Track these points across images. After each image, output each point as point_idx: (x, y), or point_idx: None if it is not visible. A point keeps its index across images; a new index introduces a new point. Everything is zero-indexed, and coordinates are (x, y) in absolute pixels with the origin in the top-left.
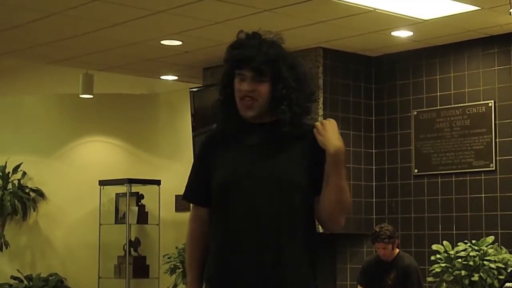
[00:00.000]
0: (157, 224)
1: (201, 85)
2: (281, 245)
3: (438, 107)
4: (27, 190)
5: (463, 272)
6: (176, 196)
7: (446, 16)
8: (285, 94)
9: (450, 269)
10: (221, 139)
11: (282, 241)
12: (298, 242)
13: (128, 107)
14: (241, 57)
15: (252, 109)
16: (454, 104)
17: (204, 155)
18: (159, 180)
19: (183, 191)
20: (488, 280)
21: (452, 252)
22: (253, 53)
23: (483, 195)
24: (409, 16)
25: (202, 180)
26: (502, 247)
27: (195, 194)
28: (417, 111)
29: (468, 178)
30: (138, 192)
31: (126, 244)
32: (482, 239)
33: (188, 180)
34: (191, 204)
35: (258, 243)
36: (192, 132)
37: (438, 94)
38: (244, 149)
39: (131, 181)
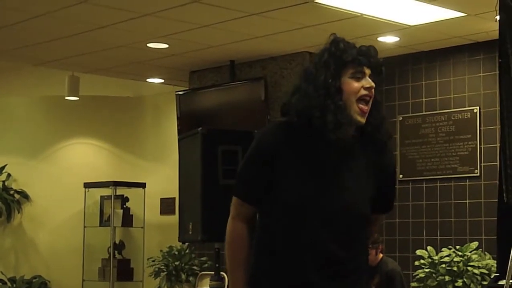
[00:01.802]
0: (141, 227)
1: (188, 88)
2: (357, 275)
3: (424, 113)
4: (11, 192)
5: (447, 278)
6: (161, 199)
7: (432, 22)
8: (380, 101)
9: (434, 275)
10: (288, 141)
11: (358, 271)
12: (366, 270)
13: (114, 109)
14: (367, 57)
15: (366, 115)
16: (439, 110)
17: (269, 154)
18: (144, 183)
19: (238, 187)
20: (472, 285)
21: (436, 258)
22: (377, 60)
23: (467, 200)
24: (396, 22)
25: (262, 181)
26: (486, 253)
27: (253, 193)
28: (402, 117)
29: (452, 183)
30: (123, 195)
31: (110, 246)
32: (466, 244)
33: (244, 176)
34: (235, 201)
35: (337, 269)
36: (178, 135)
37: (424, 99)
38: (322, 167)
39: (116, 184)
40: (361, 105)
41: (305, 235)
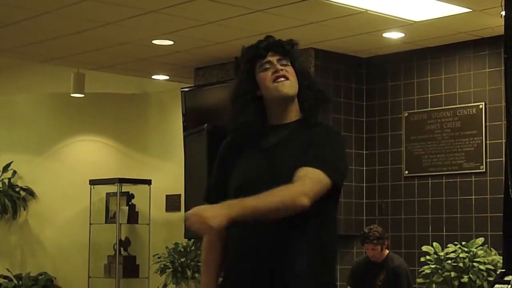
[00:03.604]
0: (147, 224)
1: (193, 85)
2: (280, 251)
3: (429, 109)
4: (17, 189)
5: (452, 274)
6: (166, 196)
7: (438, 18)
8: (309, 82)
9: (439, 271)
10: (239, 142)
11: (282, 248)
12: (301, 248)
13: (120, 106)
14: (264, 45)
15: (290, 87)
16: (445, 105)
17: (222, 158)
18: (150, 180)
19: (205, 194)
20: (478, 281)
21: (442, 254)
22: (274, 40)
23: (473, 196)
24: (401, 18)
25: (221, 183)
26: (491, 248)
27: (214, 197)
28: (408, 113)
29: (458, 179)
30: (128, 192)
31: (116, 243)
32: (472, 240)
33: (209, 182)
34: None
35: (257, 250)
36: (183, 132)
37: (429, 95)
38: (258, 153)
39: (121, 181)
40: (278, 81)
41: None
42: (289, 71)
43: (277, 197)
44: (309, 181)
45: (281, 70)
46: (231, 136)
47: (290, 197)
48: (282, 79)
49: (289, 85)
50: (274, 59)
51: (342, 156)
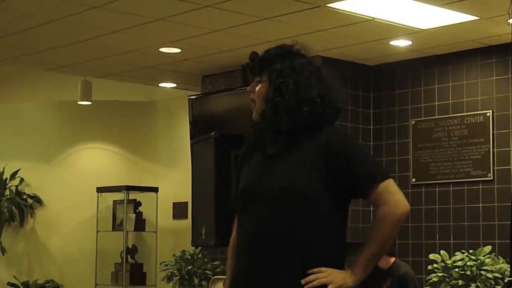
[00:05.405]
0: (154, 232)
1: (200, 93)
2: (277, 258)
3: (436, 117)
4: (24, 197)
5: (460, 282)
6: (173, 203)
7: (445, 26)
8: (270, 96)
9: (447, 279)
10: (252, 149)
11: (278, 255)
12: (298, 256)
13: (127, 114)
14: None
15: (254, 111)
16: (452, 113)
17: (238, 165)
18: (157, 188)
19: (229, 201)
20: None
21: (449, 262)
22: (250, 58)
23: (480, 204)
24: (408, 26)
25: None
26: (499, 257)
27: (234, 205)
28: (415, 120)
29: (465, 187)
30: (135, 199)
31: (123, 251)
32: (480, 248)
33: (232, 190)
34: None
35: (255, 256)
36: (190, 139)
37: (437, 103)
38: (263, 160)
39: (128, 188)
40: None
41: (240, 223)
42: (259, 92)
43: (386, 231)
44: (389, 194)
45: (251, 92)
46: (246, 143)
47: (396, 219)
48: (252, 105)
49: (254, 109)
50: (254, 79)
51: (369, 156)
